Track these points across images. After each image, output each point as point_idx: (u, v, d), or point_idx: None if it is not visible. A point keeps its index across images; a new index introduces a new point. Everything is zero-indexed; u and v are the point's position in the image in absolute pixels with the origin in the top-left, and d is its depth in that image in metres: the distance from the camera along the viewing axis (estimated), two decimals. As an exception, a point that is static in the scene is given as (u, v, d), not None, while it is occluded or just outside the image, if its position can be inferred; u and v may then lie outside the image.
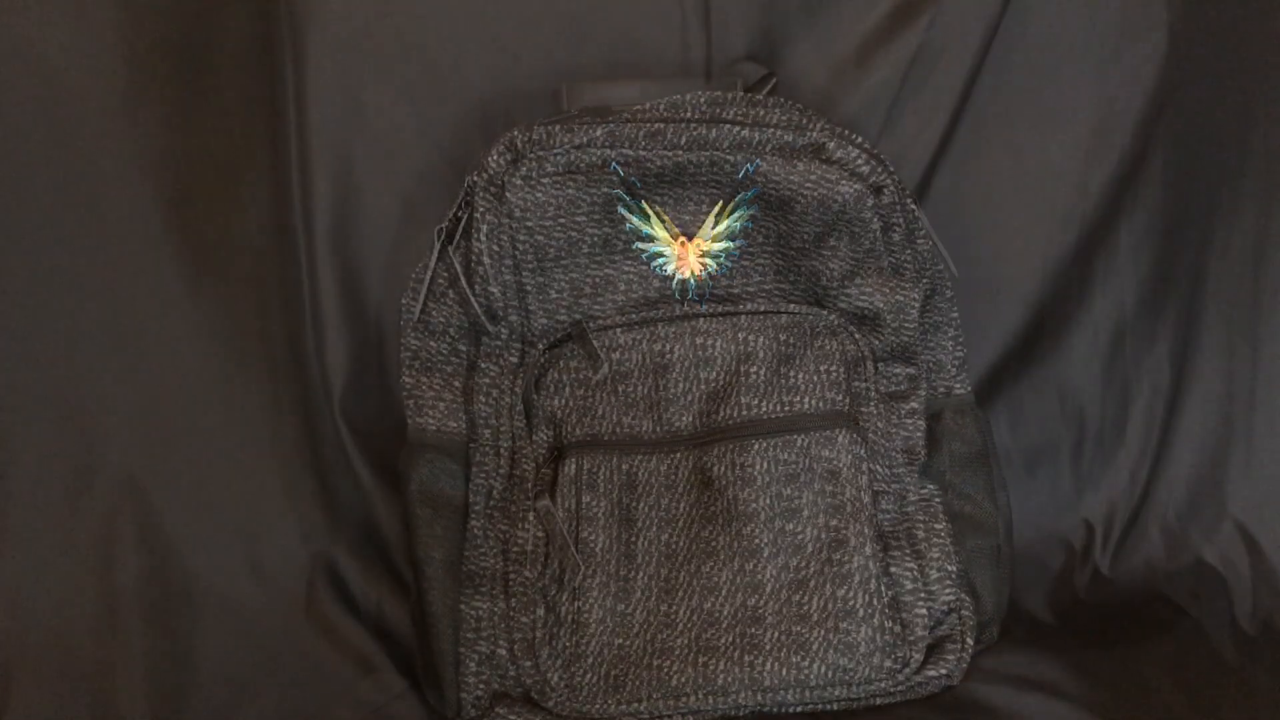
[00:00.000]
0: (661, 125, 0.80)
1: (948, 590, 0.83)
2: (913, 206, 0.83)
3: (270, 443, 0.92)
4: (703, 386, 0.84)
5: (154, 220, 0.90)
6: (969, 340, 0.89)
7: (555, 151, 0.80)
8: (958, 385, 0.89)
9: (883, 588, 0.80)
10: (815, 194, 0.80)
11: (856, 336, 0.84)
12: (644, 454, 0.84)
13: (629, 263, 0.85)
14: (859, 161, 0.80)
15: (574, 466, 0.83)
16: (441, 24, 0.90)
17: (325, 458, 0.93)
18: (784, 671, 0.78)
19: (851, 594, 0.79)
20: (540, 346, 0.84)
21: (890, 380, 0.87)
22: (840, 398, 0.84)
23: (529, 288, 0.84)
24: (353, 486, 0.93)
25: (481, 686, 0.82)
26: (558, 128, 0.80)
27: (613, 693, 0.79)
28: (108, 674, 0.83)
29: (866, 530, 0.82)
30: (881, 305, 0.84)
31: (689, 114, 0.82)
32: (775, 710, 0.80)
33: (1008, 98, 0.94)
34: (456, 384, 0.85)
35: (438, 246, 0.82)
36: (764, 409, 0.83)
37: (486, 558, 0.83)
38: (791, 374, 0.84)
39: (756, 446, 0.82)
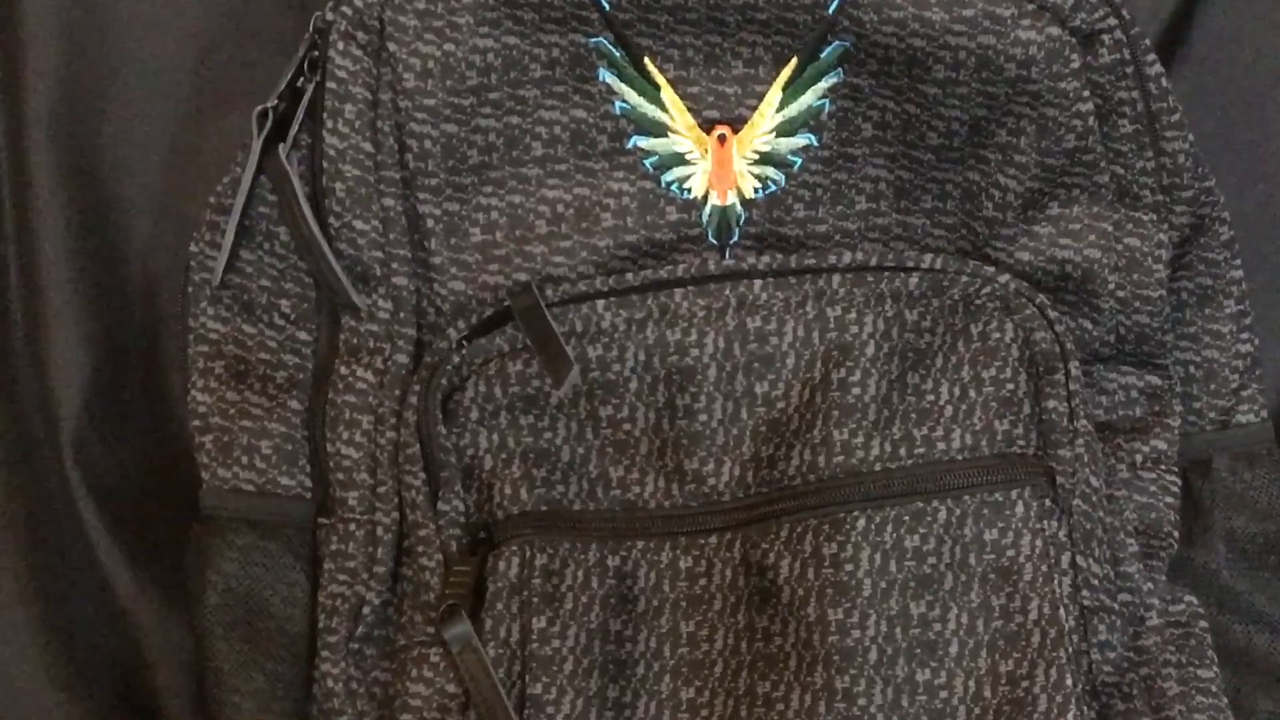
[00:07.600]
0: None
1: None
2: (1157, 69, 0.65)
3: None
4: (758, 410, 0.66)
5: None
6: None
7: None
8: (1242, 407, 0.70)
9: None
10: (971, 45, 0.65)
11: (1050, 315, 0.66)
12: (648, 539, 0.65)
13: (619, 173, 0.67)
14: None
15: (517, 563, 0.65)
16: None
17: (46, 539, 0.75)
18: None
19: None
20: (452, 334, 0.65)
21: (1113, 398, 0.70)
22: (1017, 431, 0.66)
23: (430, 222, 0.66)
24: (96, 596, 0.75)
25: None
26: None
27: None
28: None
29: (1069, 681, 0.64)
30: (1097, 256, 0.67)
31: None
32: None
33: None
34: (293, 405, 0.66)
35: (257, 145, 0.63)
36: (873, 453, 0.65)
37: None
38: (925, 386, 0.65)
39: (860, 525, 0.63)
